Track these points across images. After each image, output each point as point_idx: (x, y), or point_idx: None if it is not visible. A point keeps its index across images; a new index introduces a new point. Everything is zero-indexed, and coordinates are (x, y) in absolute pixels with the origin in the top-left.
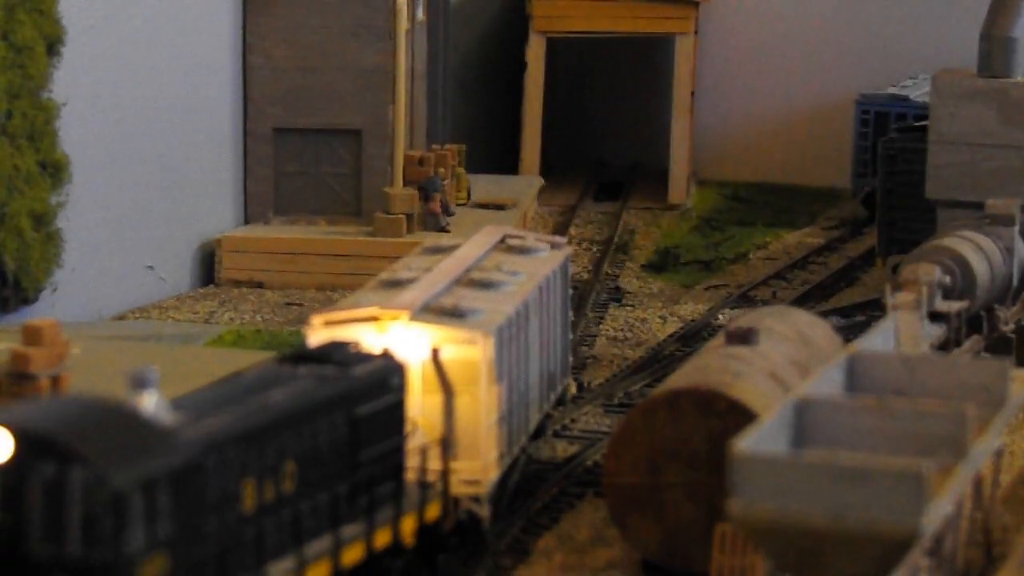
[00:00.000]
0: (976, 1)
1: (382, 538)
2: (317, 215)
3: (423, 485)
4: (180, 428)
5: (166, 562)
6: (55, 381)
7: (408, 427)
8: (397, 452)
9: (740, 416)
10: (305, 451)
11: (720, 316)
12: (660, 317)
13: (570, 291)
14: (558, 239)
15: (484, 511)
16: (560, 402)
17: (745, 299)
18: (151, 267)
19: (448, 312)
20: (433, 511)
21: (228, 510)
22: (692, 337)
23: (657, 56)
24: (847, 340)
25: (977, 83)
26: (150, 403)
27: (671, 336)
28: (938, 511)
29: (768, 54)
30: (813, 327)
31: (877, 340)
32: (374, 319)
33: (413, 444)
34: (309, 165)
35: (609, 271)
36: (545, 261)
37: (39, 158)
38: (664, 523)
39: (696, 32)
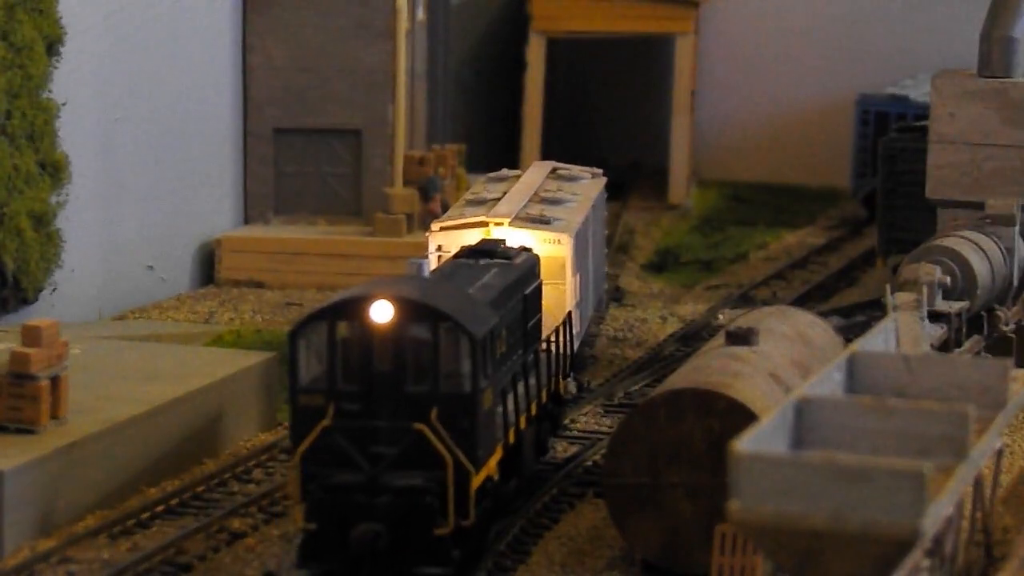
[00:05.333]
0: (976, 1)
1: (553, 386)
2: (317, 215)
3: (551, 352)
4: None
5: (492, 396)
6: (55, 381)
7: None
8: (539, 324)
9: (740, 416)
10: (508, 320)
11: (720, 316)
12: (660, 317)
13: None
14: (595, 170)
15: None
16: (600, 307)
17: (745, 299)
18: (151, 267)
19: (536, 219)
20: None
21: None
22: (692, 337)
23: (657, 56)
24: (847, 340)
25: (977, 83)
26: None
27: (671, 336)
28: (938, 511)
29: (768, 54)
30: (813, 327)
31: (877, 340)
32: (483, 224)
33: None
34: (309, 165)
35: (609, 271)
36: (590, 186)
37: (39, 158)
38: (664, 523)
39: (696, 32)
